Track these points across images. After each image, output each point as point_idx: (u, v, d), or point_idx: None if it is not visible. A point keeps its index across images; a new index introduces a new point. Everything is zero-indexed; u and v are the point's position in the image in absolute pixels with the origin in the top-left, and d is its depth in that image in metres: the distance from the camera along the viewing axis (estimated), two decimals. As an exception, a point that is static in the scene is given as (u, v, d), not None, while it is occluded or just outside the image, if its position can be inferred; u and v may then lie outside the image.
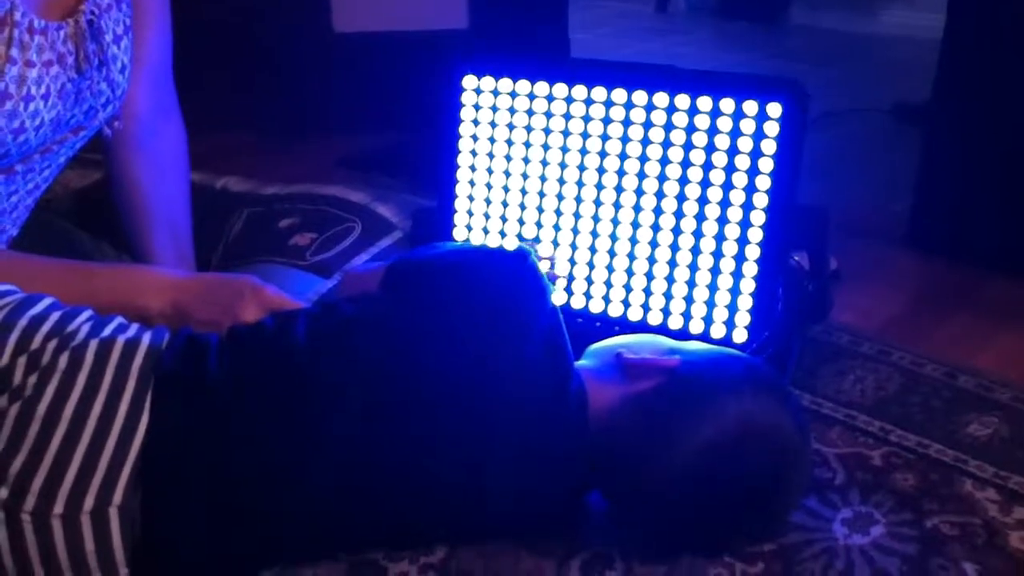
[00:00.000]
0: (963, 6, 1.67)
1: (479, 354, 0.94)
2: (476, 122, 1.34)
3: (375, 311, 0.98)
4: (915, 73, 1.74)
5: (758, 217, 1.19)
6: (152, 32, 1.24)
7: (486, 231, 1.36)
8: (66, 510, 0.83)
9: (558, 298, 1.08)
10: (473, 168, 1.36)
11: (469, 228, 1.38)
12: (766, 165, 1.17)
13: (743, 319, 1.21)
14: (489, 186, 1.35)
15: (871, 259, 1.67)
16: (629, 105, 1.24)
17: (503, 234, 1.35)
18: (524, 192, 1.32)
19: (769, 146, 1.17)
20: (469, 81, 1.34)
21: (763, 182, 1.18)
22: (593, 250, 1.29)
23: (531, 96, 1.30)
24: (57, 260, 1.10)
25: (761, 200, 1.18)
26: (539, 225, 1.32)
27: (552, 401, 0.95)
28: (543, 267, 1.03)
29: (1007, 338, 1.43)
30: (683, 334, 1.25)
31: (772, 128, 1.16)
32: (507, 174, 1.33)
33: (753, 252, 1.20)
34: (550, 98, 1.29)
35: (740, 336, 1.22)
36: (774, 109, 1.16)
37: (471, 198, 1.37)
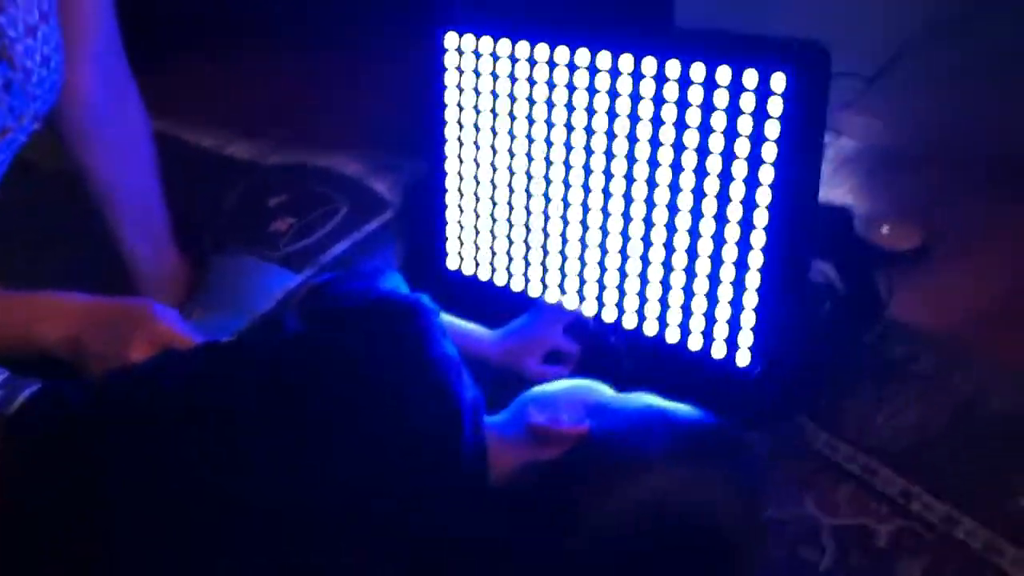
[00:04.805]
0: None
1: (366, 406, 0.80)
2: (460, 87, 1.15)
3: (257, 358, 0.84)
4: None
5: (761, 217, 0.95)
6: (86, 14, 1.11)
7: (477, 214, 1.18)
8: None
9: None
10: (460, 141, 1.17)
11: (461, 209, 1.20)
12: (769, 152, 0.93)
13: (746, 339, 0.99)
14: (477, 163, 1.16)
15: (983, 219, 1.35)
16: (615, 72, 1.01)
17: (493, 219, 1.17)
18: (512, 172, 1.13)
19: (773, 128, 0.92)
20: (451, 40, 1.15)
21: (766, 174, 0.94)
22: (584, 244, 1.09)
23: (512, 59, 1.09)
24: None
25: (764, 196, 0.94)
26: (528, 211, 1.13)
27: (443, 468, 0.79)
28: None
29: None
30: (680, 350, 1.04)
31: (776, 106, 0.91)
32: (494, 149, 1.14)
33: (756, 259, 0.96)
34: (532, 61, 1.08)
35: (743, 359, 1.00)
36: (778, 81, 0.91)
37: (460, 176, 1.19)
